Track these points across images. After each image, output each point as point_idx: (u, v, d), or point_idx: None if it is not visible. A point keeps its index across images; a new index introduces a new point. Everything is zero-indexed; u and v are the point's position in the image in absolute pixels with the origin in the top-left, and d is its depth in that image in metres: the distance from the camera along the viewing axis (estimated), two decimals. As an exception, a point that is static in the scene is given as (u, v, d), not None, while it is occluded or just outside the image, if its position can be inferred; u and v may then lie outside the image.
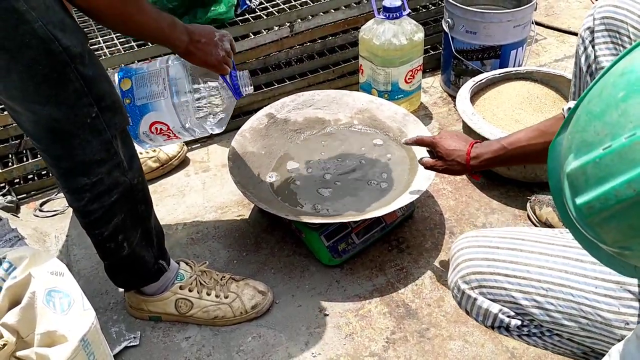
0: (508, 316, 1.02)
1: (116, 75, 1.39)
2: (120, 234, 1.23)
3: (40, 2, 1.00)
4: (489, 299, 1.03)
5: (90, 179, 1.15)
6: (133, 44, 1.88)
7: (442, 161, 1.32)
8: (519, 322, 1.02)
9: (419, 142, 1.39)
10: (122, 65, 1.43)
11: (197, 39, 1.28)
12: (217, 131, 1.47)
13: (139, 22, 1.16)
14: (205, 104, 1.39)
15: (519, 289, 0.99)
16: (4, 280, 1.01)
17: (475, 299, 1.04)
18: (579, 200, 0.56)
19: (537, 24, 2.42)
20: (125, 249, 1.25)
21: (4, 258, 1.03)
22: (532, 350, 1.32)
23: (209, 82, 1.39)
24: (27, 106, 1.07)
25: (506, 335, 1.05)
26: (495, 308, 1.02)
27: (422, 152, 1.56)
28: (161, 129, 1.41)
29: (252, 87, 1.45)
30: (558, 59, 2.27)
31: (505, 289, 1.00)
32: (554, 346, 1.02)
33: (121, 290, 1.45)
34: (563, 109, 1.11)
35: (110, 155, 1.15)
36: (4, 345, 0.96)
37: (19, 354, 0.98)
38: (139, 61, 1.81)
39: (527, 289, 0.99)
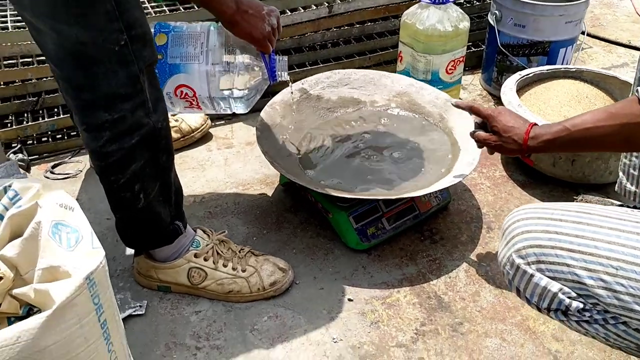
0: (569, 297, 0.89)
1: (152, 27, 1.31)
2: (137, 183, 1.13)
3: None
4: (547, 277, 0.90)
5: (111, 115, 1.05)
6: (164, 7, 1.80)
7: (497, 136, 1.21)
8: (581, 305, 0.89)
9: (474, 110, 1.27)
10: (161, 22, 1.34)
11: (244, 9, 1.22)
12: (240, 111, 1.38)
13: None
14: (236, 78, 1.30)
15: (585, 266, 0.87)
16: (7, 209, 0.91)
17: (531, 276, 0.92)
18: None
19: (583, 33, 2.33)
20: (141, 200, 1.15)
21: (10, 186, 0.93)
22: (577, 355, 1.19)
23: (245, 57, 1.30)
24: (52, 25, 0.98)
25: (562, 321, 0.92)
26: (555, 287, 0.90)
27: (464, 138, 1.45)
28: (186, 94, 1.32)
29: (289, 75, 1.35)
30: (605, 67, 2.16)
31: (568, 265, 0.88)
32: (617, 337, 0.90)
33: (131, 252, 1.34)
34: (638, 91, 0.99)
35: (136, 91, 1.05)
36: (0, 278, 0.86)
37: (15, 291, 0.87)
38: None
39: (593, 266, 0.87)
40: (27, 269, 0.89)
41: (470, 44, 2.10)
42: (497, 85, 1.92)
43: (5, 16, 1.71)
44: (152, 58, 1.10)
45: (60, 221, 0.89)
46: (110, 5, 0.98)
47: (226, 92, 1.29)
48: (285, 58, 1.33)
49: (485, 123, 1.25)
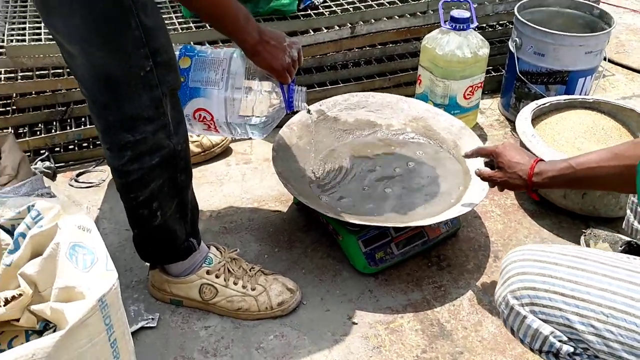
0: (560, 340, 0.92)
1: (178, 50, 1.36)
2: (155, 201, 1.18)
3: None
4: (540, 319, 0.93)
5: (134, 136, 1.10)
6: (191, 24, 1.86)
7: (502, 172, 1.23)
8: (571, 349, 0.92)
9: (480, 152, 1.32)
10: (186, 44, 1.39)
11: (266, 40, 1.25)
12: (256, 137, 1.42)
13: (221, 3, 1.14)
14: (254, 105, 1.34)
15: (576, 312, 0.90)
16: (30, 229, 0.97)
17: (524, 317, 0.94)
18: None
19: (607, 60, 2.33)
20: (158, 218, 1.20)
21: (33, 206, 0.99)
22: (574, 390, 1.21)
23: (265, 85, 1.35)
24: (83, 48, 1.04)
25: (554, 363, 0.95)
26: (546, 329, 0.92)
27: (476, 167, 1.48)
28: (204, 117, 1.37)
29: (307, 105, 1.39)
30: (626, 96, 2.16)
31: (560, 309, 0.91)
32: (607, 382, 0.92)
33: (146, 265, 1.39)
34: None
35: (159, 114, 1.11)
36: (20, 295, 0.91)
37: (33, 307, 0.93)
38: (195, 44, 1.79)
39: (585, 312, 0.89)
40: (45, 286, 0.94)
41: (490, 68, 2.12)
42: (515, 111, 1.93)
43: (39, 28, 1.79)
44: (176, 83, 1.15)
45: (77, 242, 0.94)
46: (138, 32, 1.03)
47: (243, 119, 1.34)
48: (305, 89, 1.36)
49: (493, 160, 1.28)
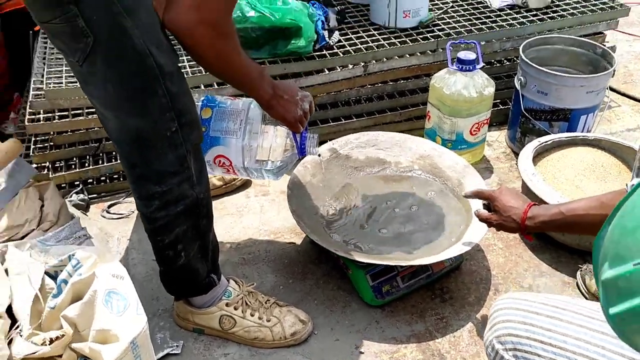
0: (539, 383, 1.02)
1: (200, 100, 1.49)
2: (179, 244, 1.31)
3: (144, 21, 1.09)
4: (522, 364, 1.04)
5: (161, 188, 1.23)
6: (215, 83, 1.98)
7: (497, 215, 1.34)
8: (550, 391, 1.02)
9: (478, 194, 1.42)
10: (207, 94, 1.52)
11: (280, 94, 1.34)
12: (271, 179, 1.54)
13: (234, 66, 1.22)
14: (270, 151, 1.47)
15: (553, 358, 1.00)
16: (71, 276, 1.10)
17: (508, 361, 1.05)
18: (612, 310, 0.58)
19: (613, 90, 2.41)
20: (182, 258, 1.33)
21: (73, 255, 1.13)
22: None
23: (280, 132, 1.47)
24: (116, 113, 1.17)
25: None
26: (527, 373, 1.03)
27: (478, 205, 1.58)
28: (223, 163, 1.50)
29: (319, 151, 1.50)
30: (631, 128, 2.24)
31: (539, 355, 1.01)
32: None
33: (171, 297, 1.52)
34: (627, 185, 1.11)
35: (183, 168, 1.23)
36: (63, 335, 1.05)
37: (74, 345, 1.06)
38: (218, 85, 1.92)
39: (561, 359, 0.99)
40: (84, 327, 1.08)
41: (498, 101, 2.21)
42: (520, 145, 2.03)
43: (75, 70, 1.93)
44: (198, 139, 1.28)
45: (112, 289, 1.08)
46: (165, 98, 1.16)
47: (259, 164, 1.46)
48: (316, 135, 1.48)
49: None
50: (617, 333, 0.60)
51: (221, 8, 1.12)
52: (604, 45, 2.27)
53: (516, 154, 2.10)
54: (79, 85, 1.84)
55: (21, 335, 1.06)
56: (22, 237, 1.37)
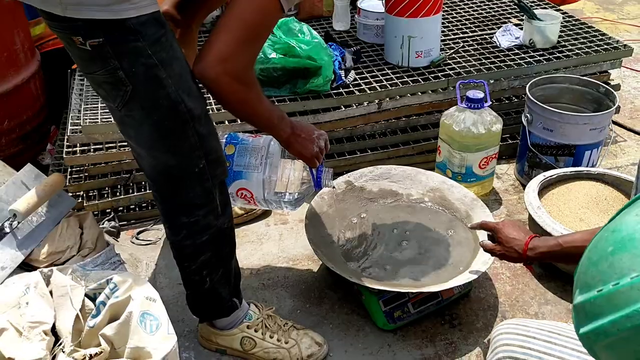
0: (535, 402, 1.11)
1: (224, 137, 1.61)
2: (205, 270, 1.42)
3: (176, 72, 1.22)
4: (520, 384, 1.12)
5: (189, 219, 1.35)
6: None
7: (501, 246, 1.43)
8: (546, 410, 1.11)
9: (483, 226, 1.52)
10: (230, 132, 1.65)
11: (298, 133, 1.45)
12: (289, 210, 1.65)
13: (256, 111, 1.33)
14: (288, 184, 1.58)
15: (549, 379, 1.09)
16: (109, 298, 1.22)
17: (507, 381, 1.14)
18: (581, 330, 0.68)
19: (620, 125, 2.50)
20: (207, 283, 1.44)
21: (111, 279, 1.25)
22: None
23: (298, 165, 1.59)
24: (150, 152, 1.30)
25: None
26: (524, 392, 1.12)
27: (484, 236, 1.68)
28: (245, 195, 1.62)
29: (333, 184, 1.61)
30: (635, 162, 2.32)
31: (536, 376, 1.10)
32: None
33: (196, 319, 1.63)
34: None
35: (209, 200, 1.35)
36: (101, 352, 1.16)
37: (110, 361, 1.17)
38: (241, 120, 2.05)
39: (555, 380, 1.08)
40: (120, 345, 1.19)
41: (507, 135, 2.31)
42: (528, 178, 2.12)
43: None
44: (223, 175, 1.40)
45: (146, 311, 1.19)
46: (194, 139, 1.28)
47: (278, 196, 1.58)
48: (331, 170, 1.60)
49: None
50: (587, 350, 0.70)
51: (245, 61, 1.23)
52: (610, 83, 2.38)
53: (524, 187, 2.19)
54: (113, 121, 2.00)
55: (63, 352, 1.17)
56: (64, 263, 1.50)
